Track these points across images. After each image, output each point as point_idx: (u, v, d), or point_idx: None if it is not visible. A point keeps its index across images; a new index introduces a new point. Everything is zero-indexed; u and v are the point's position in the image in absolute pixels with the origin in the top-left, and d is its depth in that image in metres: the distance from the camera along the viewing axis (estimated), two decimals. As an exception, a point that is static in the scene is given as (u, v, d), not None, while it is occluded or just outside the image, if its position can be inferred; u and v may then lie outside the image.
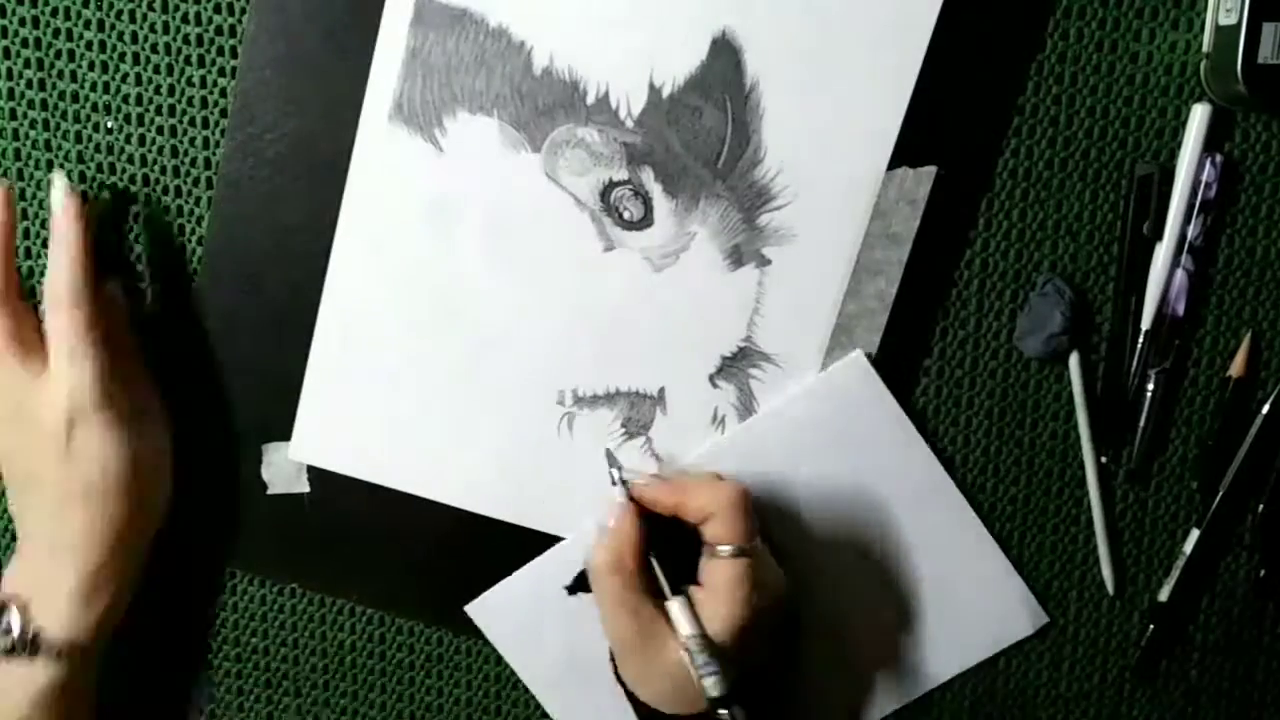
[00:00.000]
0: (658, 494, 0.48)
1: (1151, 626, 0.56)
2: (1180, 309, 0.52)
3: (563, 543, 0.54)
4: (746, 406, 0.53)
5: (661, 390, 0.53)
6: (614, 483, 0.49)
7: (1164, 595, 0.55)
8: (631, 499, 0.48)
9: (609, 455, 0.52)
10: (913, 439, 0.53)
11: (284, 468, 0.54)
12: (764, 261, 0.51)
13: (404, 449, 0.53)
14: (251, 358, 0.53)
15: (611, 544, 0.47)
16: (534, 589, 0.54)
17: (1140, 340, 0.52)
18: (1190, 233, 0.51)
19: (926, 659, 0.55)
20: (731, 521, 0.46)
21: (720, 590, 0.45)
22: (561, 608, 0.54)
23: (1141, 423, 0.53)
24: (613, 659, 0.50)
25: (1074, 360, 0.52)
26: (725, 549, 0.46)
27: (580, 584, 0.53)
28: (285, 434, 0.53)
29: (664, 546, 0.47)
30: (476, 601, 0.55)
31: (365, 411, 0.53)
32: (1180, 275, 0.51)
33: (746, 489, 0.47)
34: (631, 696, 0.49)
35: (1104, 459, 0.54)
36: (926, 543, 0.54)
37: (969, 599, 0.55)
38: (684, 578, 0.47)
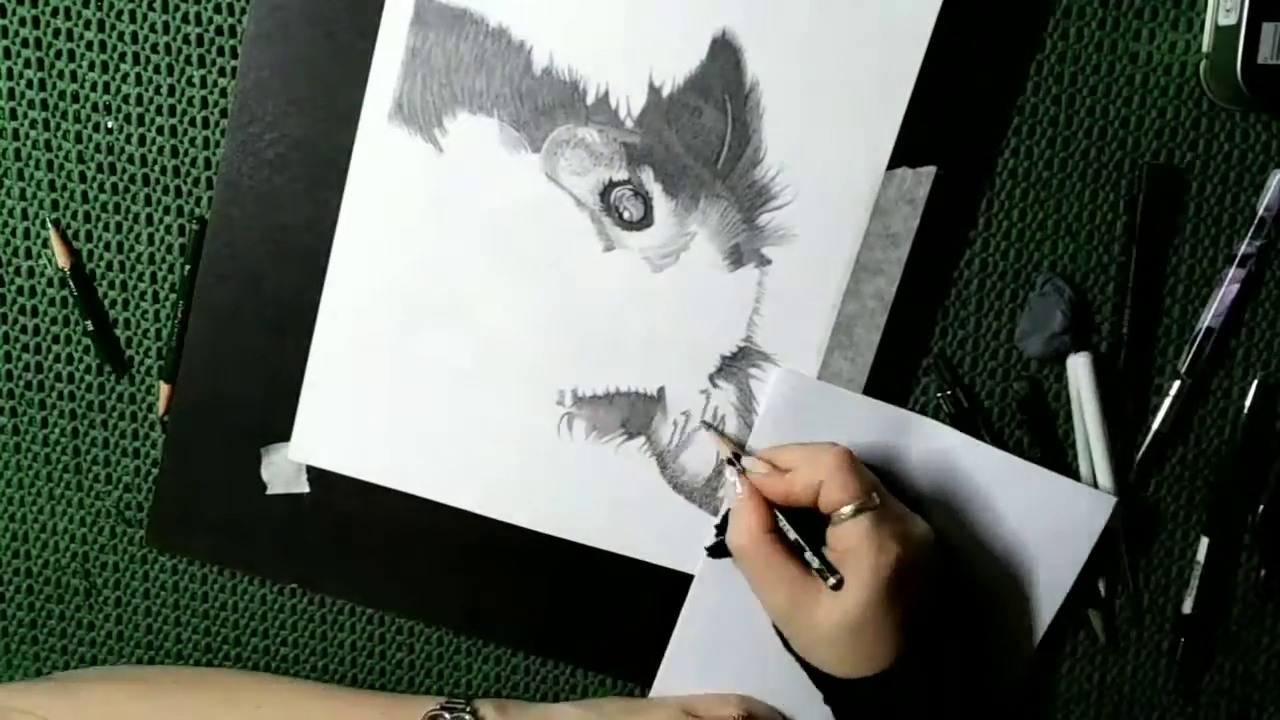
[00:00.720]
0: (767, 485, 0.48)
1: (1182, 640, 0.56)
2: (1218, 322, 0.52)
3: (689, 600, 0.54)
4: (746, 406, 0.53)
5: (661, 390, 0.53)
6: (731, 466, 0.50)
7: (1187, 607, 0.55)
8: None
9: (715, 432, 0.52)
10: (882, 412, 0.52)
11: (284, 468, 0.54)
12: (764, 261, 0.51)
13: (403, 449, 0.53)
14: (251, 358, 0.53)
15: (744, 520, 0.48)
16: (697, 648, 0.54)
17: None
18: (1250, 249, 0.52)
19: (1038, 594, 0.54)
20: (842, 481, 0.46)
21: (851, 552, 0.45)
22: (737, 646, 0.54)
23: (1155, 426, 0.54)
24: (781, 636, 0.50)
25: (1072, 361, 0.52)
26: (845, 510, 0.45)
27: (719, 549, 0.53)
28: (285, 434, 0.53)
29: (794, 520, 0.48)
30: (656, 685, 0.55)
31: (365, 411, 0.53)
32: (1234, 289, 0.52)
33: (848, 449, 0.47)
34: (809, 667, 0.49)
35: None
36: (968, 496, 0.52)
37: (1039, 523, 0.52)
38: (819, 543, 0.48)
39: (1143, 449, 0.54)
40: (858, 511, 0.45)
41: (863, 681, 0.47)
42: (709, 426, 0.52)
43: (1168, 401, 0.53)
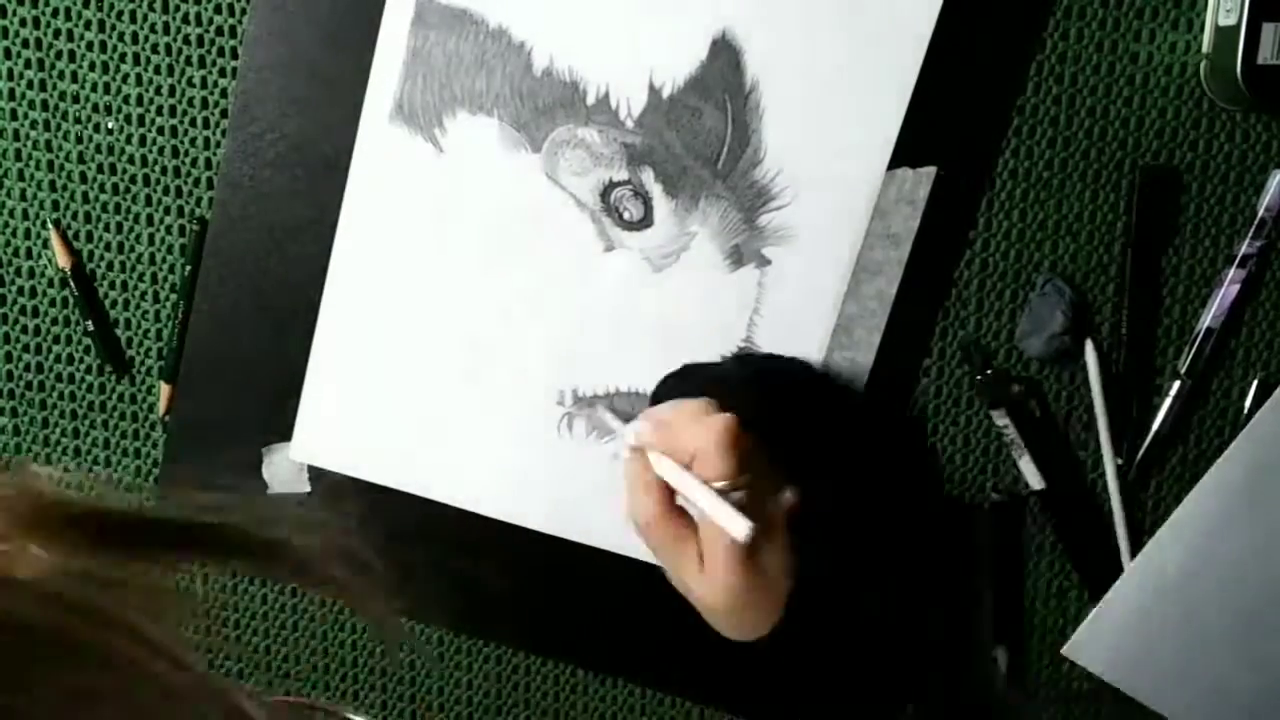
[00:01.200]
0: (652, 441, 0.45)
1: None
2: (1218, 322, 0.52)
3: (1142, 557, 0.53)
4: (746, 406, 0.53)
5: (661, 390, 0.53)
6: (618, 435, 0.48)
7: None
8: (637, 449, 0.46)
9: (606, 411, 0.51)
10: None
11: (284, 468, 0.54)
12: (764, 261, 0.51)
13: (404, 449, 0.53)
14: (251, 358, 0.53)
15: (637, 500, 0.45)
16: (1125, 613, 0.54)
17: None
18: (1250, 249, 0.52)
19: None
20: (715, 462, 0.42)
21: (713, 531, 0.43)
22: (1168, 618, 0.53)
23: (1156, 426, 0.53)
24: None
25: (1090, 353, 0.52)
26: (715, 486, 0.43)
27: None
28: (285, 434, 0.53)
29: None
30: (1071, 643, 0.55)
31: (365, 411, 0.53)
32: (1235, 289, 0.52)
33: (733, 421, 0.43)
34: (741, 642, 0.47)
35: (1119, 461, 0.54)
36: None
37: None
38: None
39: (1143, 449, 0.54)
40: (729, 490, 0.43)
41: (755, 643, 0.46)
42: (602, 407, 0.52)
43: (1168, 402, 0.53)
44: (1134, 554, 0.55)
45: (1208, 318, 0.52)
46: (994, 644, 0.56)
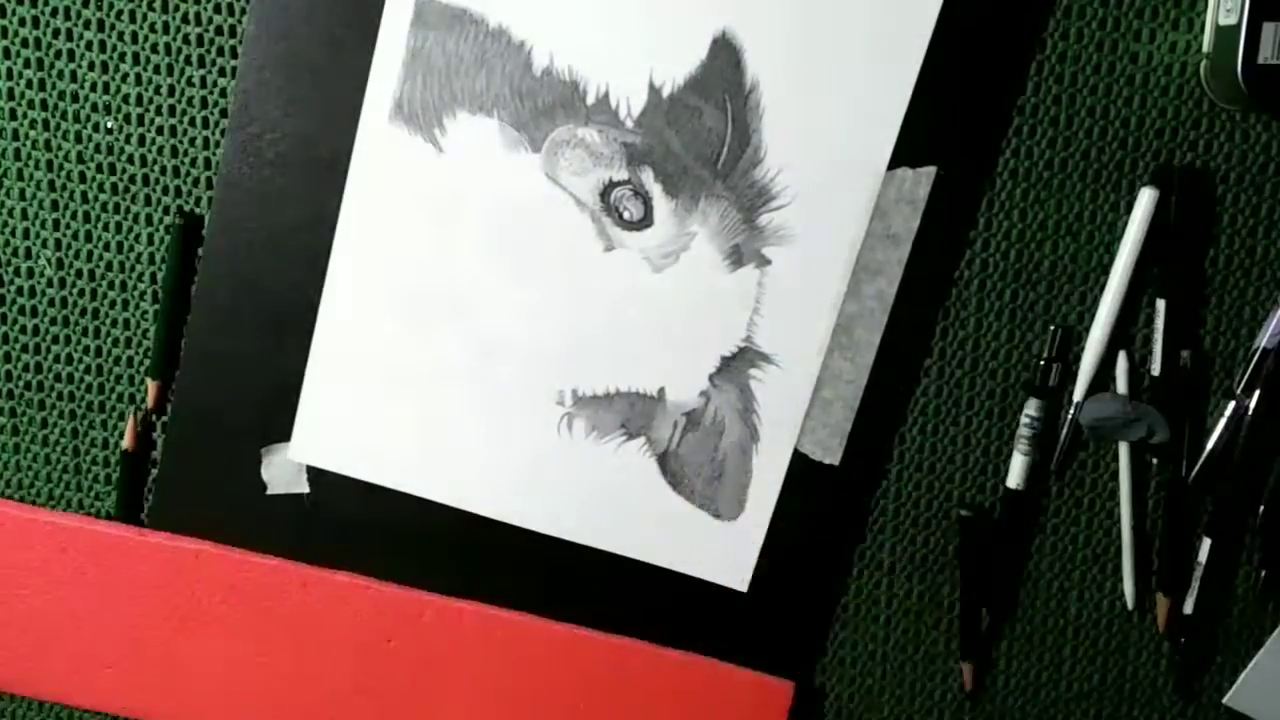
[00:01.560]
0: None
1: (1182, 640, 0.56)
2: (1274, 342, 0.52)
3: None
4: (747, 407, 0.53)
5: (661, 390, 0.53)
6: None
7: (1187, 607, 0.55)
8: None
9: None
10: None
11: (284, 468, 0.54)
12: (764, 261, 0.51)
13: (404, 449, 0.53)
14: (251, 358, 0.53)
15: None
16: None
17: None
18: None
19: None
20: None
21: None
22: None
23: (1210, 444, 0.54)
24: None
25: (1121, 360, 0.53)
26: None
27: None
28: (285, 434, 0.53)
29: None
30: (1233, 692, 0.55)
31: (365, 411, 0.53)
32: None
33: None
34: None
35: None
36: None
37: None
38: None
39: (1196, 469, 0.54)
40: None
41: None
42: None
43: (1222, 423, 0.53)
44: (1141, 569, 0.55)
45: (1263, 338, 0.52)
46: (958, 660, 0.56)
